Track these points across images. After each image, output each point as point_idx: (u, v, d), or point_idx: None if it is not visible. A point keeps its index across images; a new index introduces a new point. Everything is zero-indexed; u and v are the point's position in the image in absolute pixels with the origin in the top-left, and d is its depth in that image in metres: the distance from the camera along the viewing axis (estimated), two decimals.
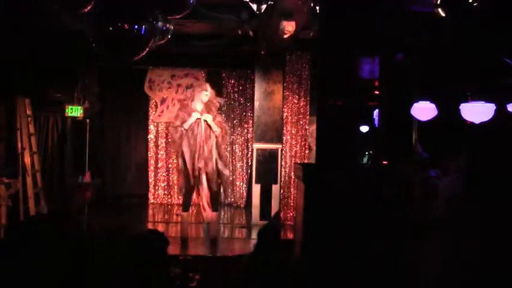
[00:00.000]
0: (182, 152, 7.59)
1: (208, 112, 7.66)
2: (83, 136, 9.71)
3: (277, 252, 4.67)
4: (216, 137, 7.65)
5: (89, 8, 4.99)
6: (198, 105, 7.64)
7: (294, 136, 9.47)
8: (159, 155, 11.07)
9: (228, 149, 10.90)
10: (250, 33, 8.25)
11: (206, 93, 7.69)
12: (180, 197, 9.53)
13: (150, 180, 11.12)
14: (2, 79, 8.19)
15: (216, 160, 7.69)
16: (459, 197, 4.82)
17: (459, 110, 8.73)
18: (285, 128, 9.44)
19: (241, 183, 10.99)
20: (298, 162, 9.17)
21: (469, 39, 7.72)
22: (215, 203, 7.81)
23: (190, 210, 8.23)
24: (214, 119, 7.66)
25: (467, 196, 4.80)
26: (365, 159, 11.69)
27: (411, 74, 9.52)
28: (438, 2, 5.41)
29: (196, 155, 7.55)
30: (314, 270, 5.06)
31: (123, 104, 11.18)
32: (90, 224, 8.43)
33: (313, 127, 8.94)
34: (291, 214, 9.10)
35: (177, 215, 9.47)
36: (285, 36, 7.13)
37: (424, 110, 9.18)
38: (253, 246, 4.85)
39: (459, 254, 4.78)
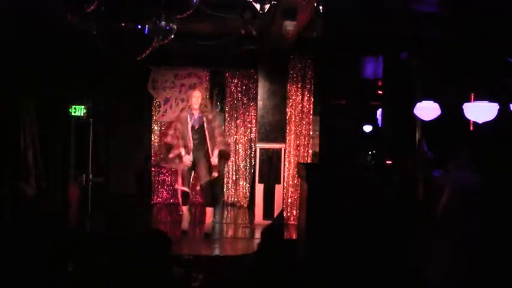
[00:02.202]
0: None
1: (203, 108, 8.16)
2: (87, 136, 9.72)
3: (280, 251, 4.67)
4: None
5: (92, 7, 4.99)
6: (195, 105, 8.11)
7: (297, 136, 9.46)
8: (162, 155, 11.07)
9: (232, 148, 10.92)
10: (254, 32, 8.25)
11: (198, 95, 8.18)
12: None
13: (153, 180, 11.11)
14: (5, 79, 8.21)
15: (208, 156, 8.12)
16: (472, 188, 4.82)
17: (462, 109, 8.73)
18: (288, 128, 9.44)
19: (245, 183, 10.98)
20: (302, 162, 9.17)
21: (472, 39, 7.72)
22: (207, 199, 8.21)
23: (193, 210, 8.40)
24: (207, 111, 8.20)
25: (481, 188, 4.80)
26: (368, 159, 11.69)
27: (414, 74, 9.52)
28: (442, 2, 5.41)
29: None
30: (317, 269, 5.06)
31: (126, 104, 11.18)
32: (94, 224, 8.46)
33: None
34: (295, 214, 9.09)
35: (180, 214, 9.48)
36: (288, 35, 7.12)
37: (427, 110, 9.17)
38: (257, 246, 4.86)
39: (465, 251, 4.79)
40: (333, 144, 5.41)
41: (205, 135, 8.07)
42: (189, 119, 8.05)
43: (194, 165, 8.06)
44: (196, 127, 8.04)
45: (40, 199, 8.85)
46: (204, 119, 8.07)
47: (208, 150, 8.11)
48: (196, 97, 8.10)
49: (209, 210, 8.17)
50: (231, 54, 9.90)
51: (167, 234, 3.62)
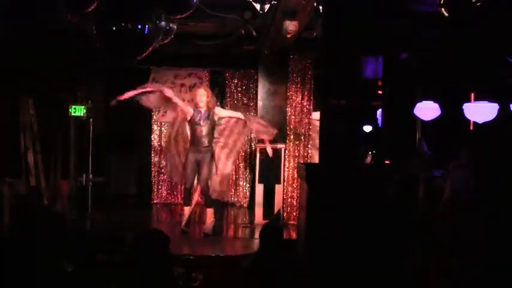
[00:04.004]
0: None
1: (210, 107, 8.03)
2: (87, 136, 9.73)
3: (279, 251, 4.67)
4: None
5: (92, 7, 5.00)
6: (200, 103, 7.95)
7: (297, 136, 9.46)
8: (162, 155, 11.07)
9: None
10: (254, 32, 8.25)
11: (203, 92, 7.99)
12: None
13: (153, 180, 11.11)
14: (5, 78, 8.21)
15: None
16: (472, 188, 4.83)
17: (462, 109, 8.74)
18: (288, 128, 9.43)
19: (245, 183, 10.98)
20: (302, 162, 9.16)
21: (472, 39, 7.72)
22: (206, 199, 8.15)
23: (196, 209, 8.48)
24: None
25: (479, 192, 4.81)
26: (368, 159, 11.69)
27: (415, 74, 9.52)
28: (442, 2, 5.41)
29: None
30: (317, 269, 5.06)
31: (126, 104, 11.16)
32: (94, 224, 8.46)
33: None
34: (295, 214, 9.09)
35: (180, 214, 9.49)
36: (288, 35, 7.12)
37: (427, 110, 9.19)
38: (257, 246, 4.87)
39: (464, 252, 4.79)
40: (333, 144, 5.40)
41: (212, 134, 8.04)
42: (197, 116, 7.94)
43: (197, 165, 7.97)
44: (203, 124, 7.92)
45: (40, 199, 8.86)
46: (214, 117, 8.00)
47: (214, 150, 8.06)
48: (201, 95, 7.94)
49: (209, 211, 8.16)
50: (231, 54, 9.91)
51: (164, 232, 3.61)
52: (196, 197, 8.41)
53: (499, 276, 4.87)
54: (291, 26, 6.90)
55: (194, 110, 7.92)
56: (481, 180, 5.05)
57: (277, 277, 4.42)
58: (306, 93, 9.49)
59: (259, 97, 9.42)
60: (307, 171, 5.44)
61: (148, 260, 3.39)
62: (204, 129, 7.88)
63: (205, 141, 7.91)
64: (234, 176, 11.02)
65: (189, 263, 4.57)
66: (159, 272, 3.40)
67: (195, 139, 7.94)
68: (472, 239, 4.91)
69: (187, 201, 8.21)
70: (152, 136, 11.08)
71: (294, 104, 9.49)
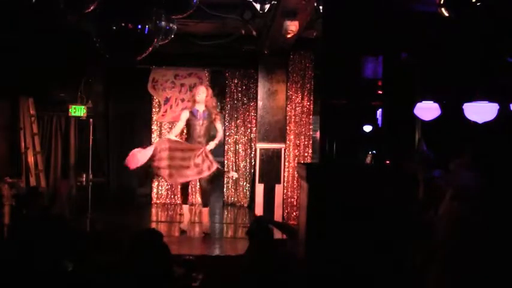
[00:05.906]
0: None
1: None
2: (87, 136, 9.72)
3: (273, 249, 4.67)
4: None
5: (92, 7, 5.00)
6: (198, 105, 8.06)
7: (297, 136, 9.47)
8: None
9: (232, 148, 10.95)
10: (254, 32, 8.25)
11: (203, 90, 8.12)
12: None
13: (154, 180, 11.11)
14: (5, 78, 8.21)
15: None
16: (473, 188, 4.82)
17: (462, 109, 8.73)
18: (288, 128, 9.44)
19: (245, 183, 10.98)
20: (302, 161, 9.16)
21: (473, 38, 7.71)
22: (205, 199, 8.18)
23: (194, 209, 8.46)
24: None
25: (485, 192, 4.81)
26: (368, 159, 11.69)
27: (415, 74, 9.51)
28: (442, 2, 5.40)
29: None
30: (317, 269, 5.06)
31: (126, 104, 11.17)
32: (94, 224, 8.45)
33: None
34: (295, 214, 9.09)
35: (180, 214, 9.48)
36: (289, 35, 7.12)
37: (427, 110, 9.18)
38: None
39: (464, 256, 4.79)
40: (333, 144, 5.41)
41: (210, 134, 8.08)
42: (196, 115, 8.03)
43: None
44: (201, 123, 8.01)
45: (40, 199, 8.85)
46: (213, 116, 8.07)
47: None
48: (200, 91, 8.07)
49: (205, 210, 8.15)
50: (231, 54, 9.91)
51: (155, 229, 3.61)
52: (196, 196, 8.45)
53: (499, 275, 4.86)
54: (291, 26, 6.90)
55: (192, 110, 7.99)
56: (485, 180, 5.04)
57: (277, 276, 4.42)
58: (306, 93, 9.50)
59: (259, 97, 9.43)
60: (307, 171, 5.44)
61: (148, 260, 3.39)
62: (202, 129, 7.94)
63: (203, 140, 7.97)
64: (234, 176, 11.04)
65: (189, 263, 4.57)
66: (159, 272, 3.40)
67: (193, 138, 8.01)
68: (474, 239, 4.90)
69: (185, 199, 8.30)
70: (152, 136, 11.07)
71: (294, 104, 9.50)
